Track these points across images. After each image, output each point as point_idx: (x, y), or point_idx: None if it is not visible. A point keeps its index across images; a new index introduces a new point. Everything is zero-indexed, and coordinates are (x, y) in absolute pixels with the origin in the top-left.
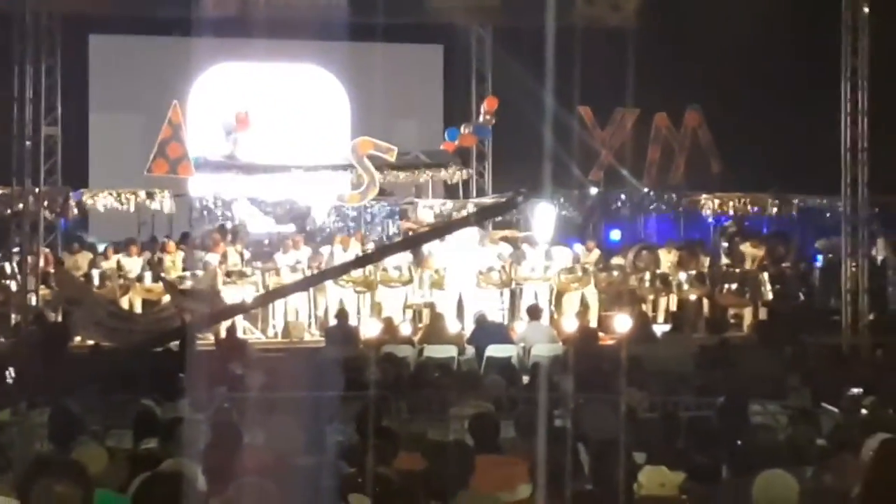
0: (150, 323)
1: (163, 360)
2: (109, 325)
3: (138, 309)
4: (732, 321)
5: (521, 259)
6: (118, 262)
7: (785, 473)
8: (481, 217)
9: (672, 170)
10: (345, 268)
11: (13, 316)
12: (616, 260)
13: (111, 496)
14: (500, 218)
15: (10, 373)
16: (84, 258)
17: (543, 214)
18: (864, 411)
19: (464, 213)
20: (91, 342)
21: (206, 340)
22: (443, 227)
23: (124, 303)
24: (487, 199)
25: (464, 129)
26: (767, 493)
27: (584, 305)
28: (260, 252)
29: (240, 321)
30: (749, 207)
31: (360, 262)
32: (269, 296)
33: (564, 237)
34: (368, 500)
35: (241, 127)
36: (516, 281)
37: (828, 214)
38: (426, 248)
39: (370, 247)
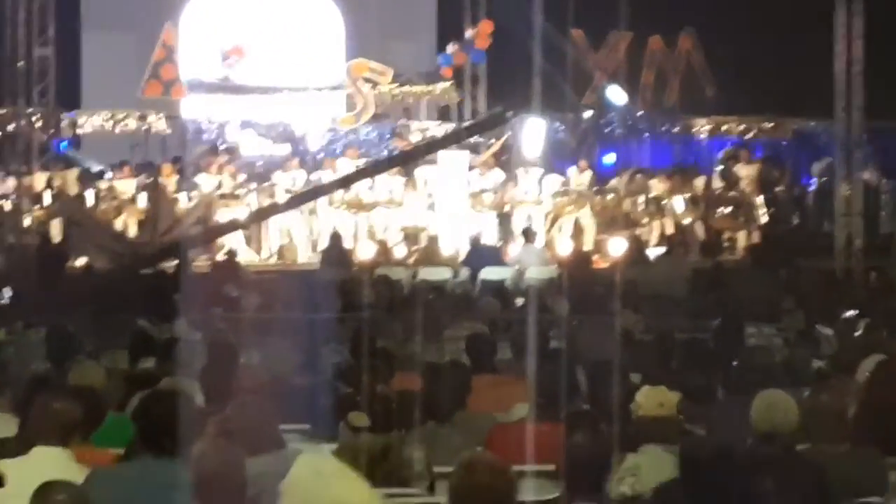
0: (149, 246)
1: (159, 280)
2: (111, 248)
3: (133, 231)
4: (726, 244)
5: (514, 182)
6: (111, 184)
7: (783, 393)
8: (470, 132)
9: (666, 93)
10: (336, 185)
11: (9, 237)
12: (611, 184)
13: (111, 414)
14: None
15: (6, 292)
16: (72, 175)
17: (533, 131)
18: (858, 333)
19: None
20: (84, 262)
21: (202, 262)
22: (432, 143)
23: (118, 224)
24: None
25: (451, 48)
26: (767, 412)
27: (580, 229)
28: (253, 174)
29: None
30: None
31: (351, 178)
32: (261, 213)
33: (558, 161)
34: (367, 418)
35: (235, 54)
36: (510, 204)
37: (822, 138)
38: (418, 171)
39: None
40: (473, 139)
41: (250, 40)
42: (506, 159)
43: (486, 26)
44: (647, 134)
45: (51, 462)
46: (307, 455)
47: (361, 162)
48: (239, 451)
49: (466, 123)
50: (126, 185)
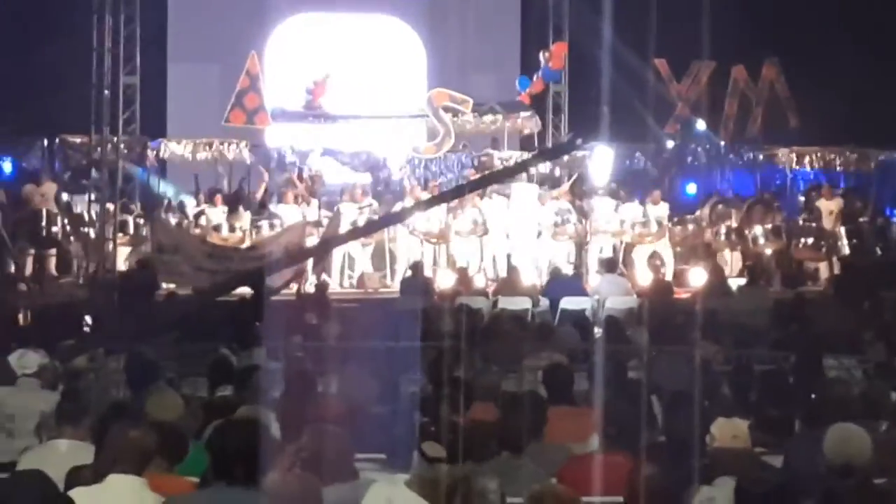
0: (247, 259)
1: (239, 308)
2: (209, 268)
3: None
4: (808, 276)
5: (589, 212)
6: (201, 211)
7: (857, 427)
8: (538, 159)
9: (749, 123)
10: (405, 213)
11: (92, 264)
12: (693, 215)
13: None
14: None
15: (88, 320)
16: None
17: (601, 158)
18: None
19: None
20: (169, 289)
21: (288, 292)
22: (502, 171)
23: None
24: None
25: (535, 77)
26: (840, 445)
27: (659, 260)
28: (334, 203)
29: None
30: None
31: (420, 206)
32: (330, 242)
33: (639, 191)
34: (443, 449)
35: (319, 91)
36: (590, 234)
37: None
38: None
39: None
40: (554, 172)
41: (333, 69)
42: (586, 189)
43: (560, 47)
44: (729, 164)
45: (124, 490)
46: (380, 485)
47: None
48: (314, 480)
49: (536, 151)
50: (214, 214)
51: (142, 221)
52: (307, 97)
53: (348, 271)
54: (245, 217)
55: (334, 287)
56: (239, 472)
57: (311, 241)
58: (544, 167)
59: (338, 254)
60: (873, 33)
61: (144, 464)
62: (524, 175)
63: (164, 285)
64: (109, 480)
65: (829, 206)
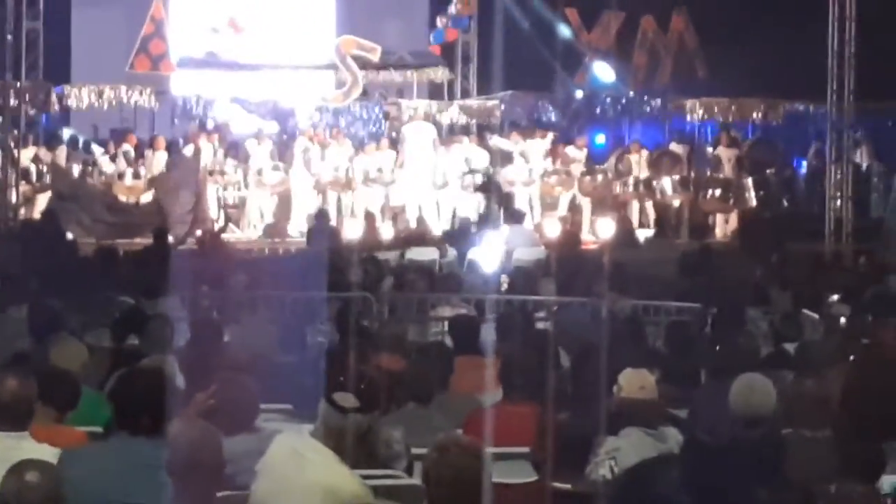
0: (148, 215)
1: (144, 257)
2: (108, 220)
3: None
4: (715, 227)
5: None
6: (97, 159)
7: (762, 377)
8: None
9: (658, 74)
10: None
11: None
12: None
13: (90, 392)
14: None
15: None
16: (60, 151)
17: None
18: (843, 318)
19: (446, 113)
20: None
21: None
22: None
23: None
24: (471, 101)
25: (440, 22)
26: (744, 396)
27: (576, 209)
28: (240, 151)
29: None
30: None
31: None
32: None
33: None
34: (353, 398)
35: (231, 27)
36: (499, 183)
37: (813, 121)
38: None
39: (347, 144)
40: (461, 121)
41: (240, 16)
42: (494, 138)
43: None
44: (638, 114)
45: (4, 447)
46: (285, 435)
47: (346, 143)
48: (216, 431)
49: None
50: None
51: (45, 169)
52: (214, 33)
53: (255, 221)
54: (150, 164)
55: (242, 236)
56: (143, 422)
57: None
58: (452, 114)
59: (252, 203)
60: None
61: (27, 415)
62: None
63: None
64: None
65: (727, 154)
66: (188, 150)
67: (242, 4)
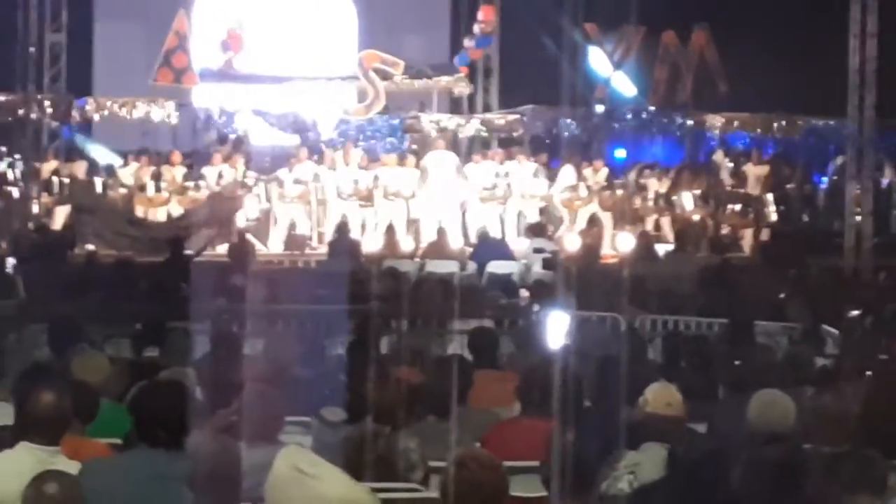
0: (169, 230)
1: (165, 270)
2: (129, 234)
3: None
4: (735, 242)
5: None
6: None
7: (781, 393)
8: None
9: (679, 89)
10: None
11: (15, 223)
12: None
13: (110, 404)
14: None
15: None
16: (81, 164)
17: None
18: (862, 333)
19: (468, 126)
20: (89, 250)
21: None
22: None
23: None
24: (492, 115)
25: (466, 43)
26: (763, 412)
27: (596, 224)
28: (262, 164)
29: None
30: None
31: None
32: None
33: (571, 156)
34: (341, 411)
35: (234, 44)
36: (520, 198)
37: (834, 137)
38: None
39: (367, 157)
40: (484, 133)
41: (263, 29)
42: (516, 153)
43: (487, 11)
44: (658, 130)
45: (34, 459)
46: (288, 449)
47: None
48: (235, 444)
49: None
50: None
51: (67, 181)
52: (225, 53)
53: (277, 234)
54: (171, 177)
55: (263, 249)
56: (162, 434)
57: (240, 203)
58: (473, 128)
59: (274, 216)
60: (803, 1)
61: (62, 430)
62: (441, 143)
63: (87, 246)
64: (20, 448)
65: (756, 172)
66: (216, 166)
67: (264, 18)
